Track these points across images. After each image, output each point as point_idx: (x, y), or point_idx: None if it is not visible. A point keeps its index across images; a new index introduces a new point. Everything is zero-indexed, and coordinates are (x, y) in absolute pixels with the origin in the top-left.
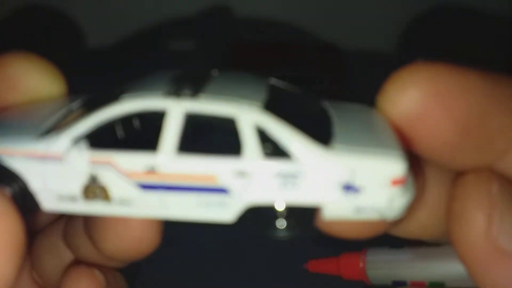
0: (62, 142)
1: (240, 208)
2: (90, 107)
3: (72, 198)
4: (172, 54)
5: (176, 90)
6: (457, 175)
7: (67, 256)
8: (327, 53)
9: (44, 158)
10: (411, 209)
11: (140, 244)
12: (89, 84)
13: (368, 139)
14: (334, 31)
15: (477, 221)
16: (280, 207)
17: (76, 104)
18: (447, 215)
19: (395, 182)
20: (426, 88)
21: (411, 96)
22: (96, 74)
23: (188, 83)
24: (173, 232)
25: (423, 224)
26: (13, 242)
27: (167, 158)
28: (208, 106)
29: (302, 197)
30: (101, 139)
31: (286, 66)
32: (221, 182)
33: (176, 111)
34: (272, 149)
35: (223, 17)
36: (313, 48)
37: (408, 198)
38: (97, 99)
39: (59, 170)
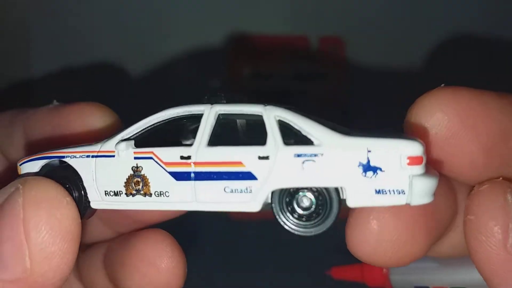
0: (114, 142)
1: (266, 192)
2: None
3: (116, 194)
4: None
5: (210, 100)
6: (471, 186)
7: None
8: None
9: (99, 155)
10: (444, 232)
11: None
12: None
13: (381, 137)
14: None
15: (493, 232)
16: (302, 189)
17: None
18: (464, 227)
19: (412, 161)
20: (452, 112)
21: (438, 120)
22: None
23: (220, 96)
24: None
25: (454, 245)
26: (75, 230)
27: (199, 149)
28: (238, 107)
29: (323, 179)
30: (148, 141)
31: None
32: (247, 167)
33: (209, 112)
34: (295, 138)
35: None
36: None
37: (431, 183)
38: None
39: (109, 168)
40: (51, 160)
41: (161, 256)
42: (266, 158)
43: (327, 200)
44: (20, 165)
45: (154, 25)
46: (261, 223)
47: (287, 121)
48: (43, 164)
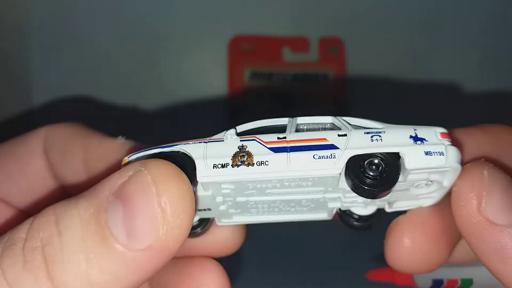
0: (225, 133)
1: (346, 157)
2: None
3: (224, 165)
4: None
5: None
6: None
7: None
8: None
9: (210, 141)
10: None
11: None
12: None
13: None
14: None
15: (470, 199)
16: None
17: None
18: (451, 198)
19: (443, 136)
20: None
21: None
22: None
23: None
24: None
25: (468, 251)
26: (193, 201)
27: (290, 133)
28: (313, 119)
29: (387, 147)
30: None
31: (290, 62)
32: (330, 141)
33: (292, 120)
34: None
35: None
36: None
37: (457, 152)
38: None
39: (218, 147)
40: (162, 150)
41: (210, 284)
42: (344, 135)
43: (391, 164)
44: (129, 157)
45: (153, 25)
46: (306, 230)
47: (353, 122)
48: (153, 153)
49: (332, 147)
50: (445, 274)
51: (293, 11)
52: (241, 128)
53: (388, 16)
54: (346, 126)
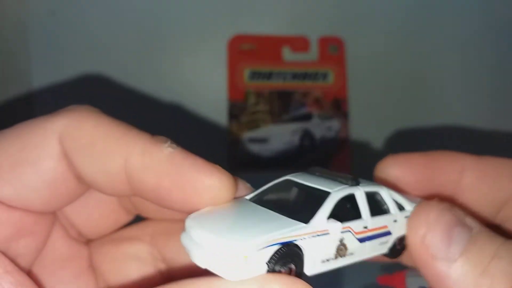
0: (322, 221)
1: (393, 241)
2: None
3: (327, 260)
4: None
5: (352, 181)
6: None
7: None
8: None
9: (317, 234)
10: None
11: None
12: None
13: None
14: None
15: (417, 235)
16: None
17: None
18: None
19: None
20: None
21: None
22: None
23: (349, 179)
24: None
25: None
26: None
27: (369, 220)
28: (370, 187)
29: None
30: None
31: (290, 61)
32: (388, 228)
33: (361, 192)
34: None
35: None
36: (317, 43)
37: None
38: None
39: (324, 240)
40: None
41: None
42: (396, 221)
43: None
44: (260, 251)
45: (153, 24)
46: None
47: (394, 198)
48: (276, 250)
49: (388, 233)
50: None
51: (293, 10)
52: (327, 208)
53: (388, 15)
54: (393, 206)
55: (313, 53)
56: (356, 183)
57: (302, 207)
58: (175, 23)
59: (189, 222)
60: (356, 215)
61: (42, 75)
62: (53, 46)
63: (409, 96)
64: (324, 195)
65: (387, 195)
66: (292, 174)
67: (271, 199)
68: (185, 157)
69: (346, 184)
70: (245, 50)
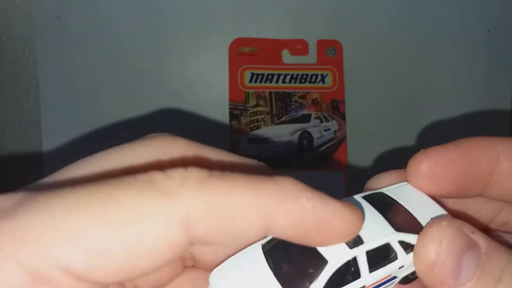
0: None
1: (400, 278)
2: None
3: None
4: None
5: (354, 243)
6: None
7: None
8: (329, 51)
9: None
10: None
11: None
12: None
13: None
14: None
15: (427, 259)
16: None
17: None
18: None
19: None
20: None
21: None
22: None
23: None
24: None
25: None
26: None
27: (368, 278)
28: (374, 242)
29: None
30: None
31: (289, 64)
32: (393, 274)
33: (362, 252)
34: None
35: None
36: (314, 45)
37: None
38: None
39: None
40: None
41: None
42: (402, 267)
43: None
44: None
45: (155, 28)
46: None
47: (404, 239)
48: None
49: (393, 278)
50: None
51: (293, 15)
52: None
53: (385, 19)
54: (400, 251)
55: (312, 56)
56: (358, 243)
57: (299, 274)
58: (176, 27)
59: (214, 281)
60: (355, 275)
61: (49, 78)
62: (59, 49)
63: (406, 97)
64: (321, 263)
65: (395, 242)
66: None
67: (277, 256)
68: (326, 207)
69: (347, 245)
70: (246, 53)
